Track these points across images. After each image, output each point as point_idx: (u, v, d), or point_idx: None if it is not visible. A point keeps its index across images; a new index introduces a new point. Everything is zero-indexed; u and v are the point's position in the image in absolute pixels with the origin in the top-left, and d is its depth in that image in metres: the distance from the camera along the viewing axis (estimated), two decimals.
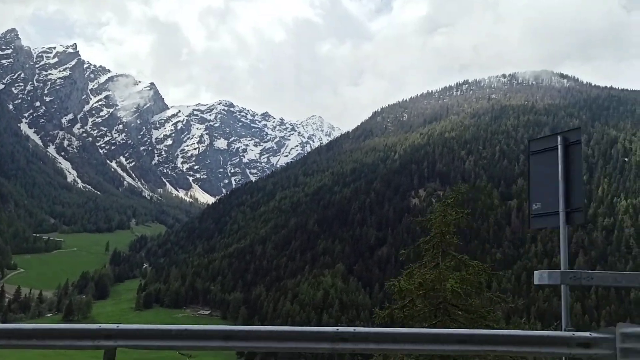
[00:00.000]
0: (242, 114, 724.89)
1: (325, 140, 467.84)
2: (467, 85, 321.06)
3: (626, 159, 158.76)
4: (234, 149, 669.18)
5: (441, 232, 12.08)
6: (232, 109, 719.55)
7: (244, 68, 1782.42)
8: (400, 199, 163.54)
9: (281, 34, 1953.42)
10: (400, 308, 11.50)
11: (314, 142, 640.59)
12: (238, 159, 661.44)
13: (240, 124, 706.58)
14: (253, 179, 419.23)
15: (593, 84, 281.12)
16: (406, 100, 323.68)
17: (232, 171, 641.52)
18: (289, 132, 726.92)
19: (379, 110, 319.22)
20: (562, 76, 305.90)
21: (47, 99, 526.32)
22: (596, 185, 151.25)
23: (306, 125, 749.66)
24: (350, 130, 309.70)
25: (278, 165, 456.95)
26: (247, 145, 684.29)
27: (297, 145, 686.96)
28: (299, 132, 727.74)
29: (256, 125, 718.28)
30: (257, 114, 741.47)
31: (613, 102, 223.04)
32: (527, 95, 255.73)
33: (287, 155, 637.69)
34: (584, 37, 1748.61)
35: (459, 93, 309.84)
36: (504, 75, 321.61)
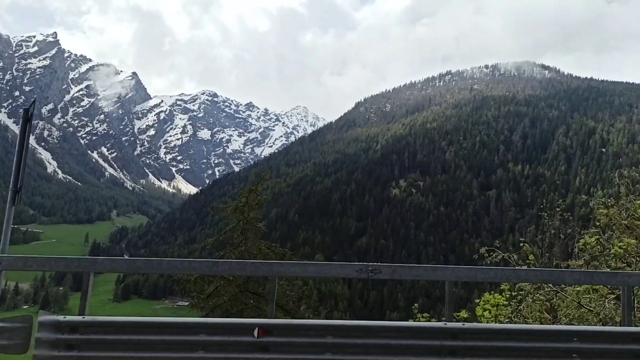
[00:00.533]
0: (225, 104, 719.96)
1: (309, 131, 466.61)
2: (449, 75, 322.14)
3: (603, 150, 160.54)
4: (217, 139, 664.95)
5: (244, 219, 11.77)
6: (215, 99, 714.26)
7: (228, 58, 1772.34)
8: (380, 189, 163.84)
9: (265, 24, 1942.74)
10: (205, 298, 11.23)
11: (298, 132, 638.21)
12: (222, 150, 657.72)
13: (224, 114, 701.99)
14: (237, 169, 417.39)
15: (574, 75, 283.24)
16: (389, 90, 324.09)
17: (216, 162, 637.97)
18: (274, 122, 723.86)
19: (362, 100, 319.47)
20: (544, 67, 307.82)
21: (27, 88, 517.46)
22: (574, 175, 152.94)
23: (291, 115, 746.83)
24: (333, 121, 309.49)
25: (262, 156, 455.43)
26: (231, 135, 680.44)
27: (281, 136, 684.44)
28: (284, 123, 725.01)
29: (240, 116, 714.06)
30: (241, 104, 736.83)
31: (592, 93, 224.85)
32: (509, 86, 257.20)
33: (271, 146, 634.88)
34: (566, 28, 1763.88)
35: (441, 84, 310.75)
36: (486, 66, 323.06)
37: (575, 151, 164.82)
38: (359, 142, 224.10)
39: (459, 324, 5.22)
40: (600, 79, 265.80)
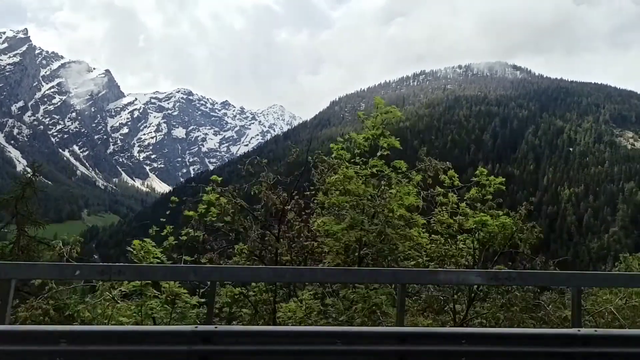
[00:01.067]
0: (201, 102, 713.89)
1: (286, 130, 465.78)
2: (423, 75, 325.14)
3: (571, 149, 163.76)
4: (192, 137, 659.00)
5: (17, 213, 11.62)
6: (190, 97, 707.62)
7: (203, 56, 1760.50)
8: None
9: (240, 22, 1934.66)
10: None
11: (275, 131, 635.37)
12: (197, 148, 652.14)
13: (199, 112, 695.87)
14: (212, 168, 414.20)
15: (545, 76, 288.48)
16: (364, 89, 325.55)
17: (191, 160, 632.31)
18: (250, 121, 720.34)
19: (337, 99, 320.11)
20: (515, 68, 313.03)
21: None
22: (542, 174, 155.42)
23: (267, 114, 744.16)
24: (308, 120, 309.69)
25: (238, 155, 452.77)
26: (206, 134, 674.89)
27: (257, 135, 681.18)
28: (260, 121, 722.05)
29: (216, 114, 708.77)
30: (216, 103, 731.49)
31: (561, 93, 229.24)
32: (481, 86, 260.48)
33: (247, 145, 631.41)
34: (537, 30, 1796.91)
35: (415, 83, 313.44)
36: (459, 66, 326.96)
37: (543, 150, 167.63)
38: (332, 141, 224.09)
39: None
40: (569, 80, 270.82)
